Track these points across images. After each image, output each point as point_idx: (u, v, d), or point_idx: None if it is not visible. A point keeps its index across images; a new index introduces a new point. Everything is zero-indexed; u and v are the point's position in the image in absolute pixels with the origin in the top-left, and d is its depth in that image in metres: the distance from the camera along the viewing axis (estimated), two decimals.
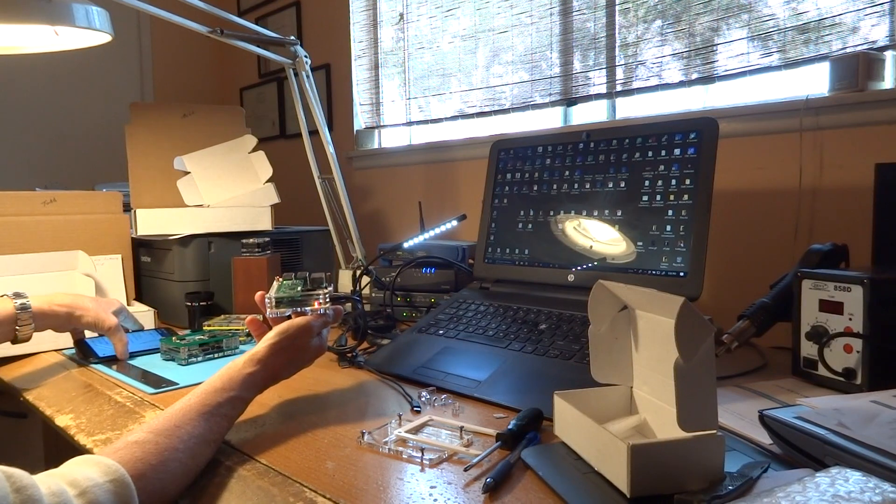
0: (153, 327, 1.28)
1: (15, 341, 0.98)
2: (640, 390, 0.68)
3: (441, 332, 1.04)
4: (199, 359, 1.05)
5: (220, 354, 1.08)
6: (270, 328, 0.80)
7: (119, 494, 0.55)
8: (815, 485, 0.46)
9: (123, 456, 0.58)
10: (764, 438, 0.65)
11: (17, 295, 0.98)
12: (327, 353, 1.06)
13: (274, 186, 1.52)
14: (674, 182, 0.98)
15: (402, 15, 2.11)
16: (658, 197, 0.99)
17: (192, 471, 0.64)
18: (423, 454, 0.64)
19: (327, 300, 0.82)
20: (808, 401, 0.65)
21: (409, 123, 2.13)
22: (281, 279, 0.86)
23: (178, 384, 0.93)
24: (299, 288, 0.83)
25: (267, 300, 0.81)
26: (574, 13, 1.64)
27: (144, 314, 1.29)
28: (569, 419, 0.65)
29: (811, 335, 0.86)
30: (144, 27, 2.77)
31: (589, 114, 1.68)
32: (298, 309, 0.81)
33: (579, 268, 1.06)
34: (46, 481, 0.51)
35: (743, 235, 1.32)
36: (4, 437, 1.68)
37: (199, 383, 0.73)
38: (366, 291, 1.39)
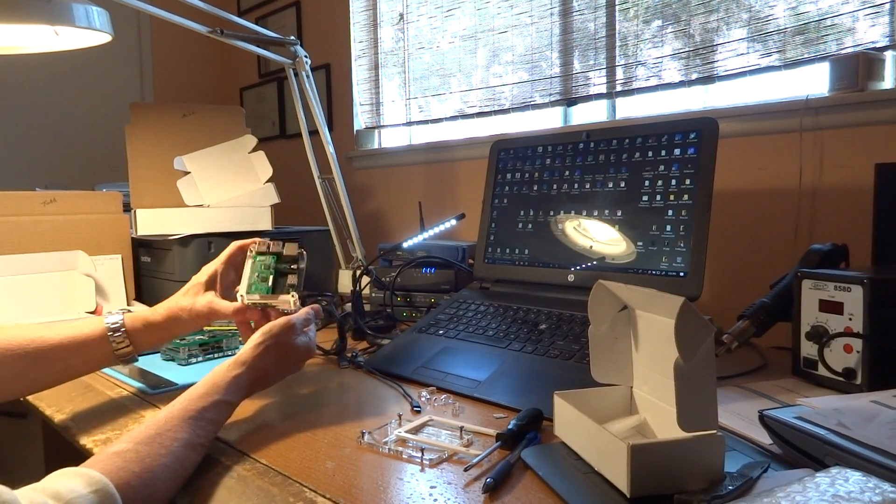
0: None
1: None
2: (640, 390, 0.68)
3: (441, 332, 1.04)
4: (199, 359, 1.05)
5: (220, 354, 1.08)
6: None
7: None
8: (815, 485, 0.46)
9: (104, 467, 0.57)
10: (764, 438, 0.65)
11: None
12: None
13: (274, 186, 1.52)
14: (674, 182, 0.98)
15: (402, 15, 2.11)
16: (658, 197, 0.99)
17: (181, 475, 0.63)
18: (423, 454, 0.64)
19: (298, 304, 0.85)
20: (808, 401, 0.65)
21: (409, 123, 2.13)
22: (254, 252, 0.89)
23: (177, 384, 0.93)
24: (272, 271, 0.87)
25: (238, 297, 0.86)
26: (574, 13, 1.64)
27: None
28: (569, 419, 0.65)
29: (811, 335, 0.86)
30: (144, 27, 2.77)
31: (589, 114, 1.68)
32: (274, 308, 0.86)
33: (579, 268, 1.06)
34: (28, 495, 0.51)
35: (743, 235, 1.32)
36: (4, 437, 1.68)
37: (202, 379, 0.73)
38: (366, 291, 1.39)
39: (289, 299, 0.85)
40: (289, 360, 0.81)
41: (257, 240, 0.91)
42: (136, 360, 0.86)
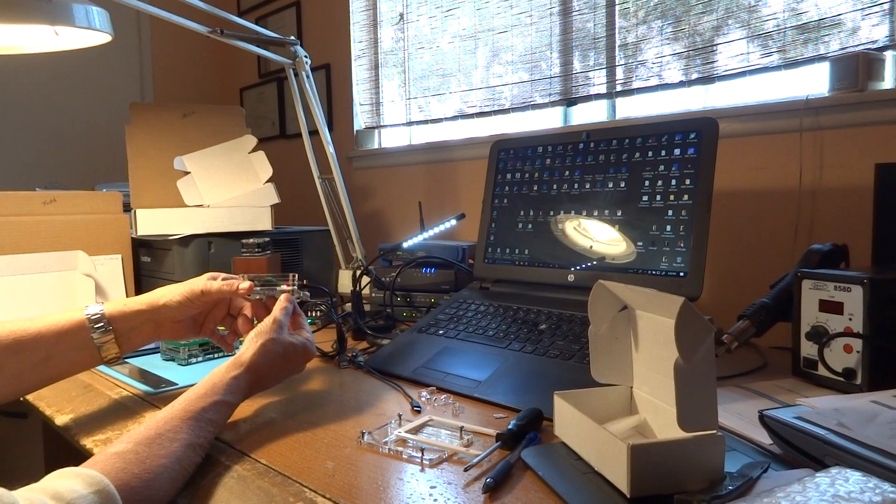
0: None
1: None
2: (640, 390, 0.68)
3: (441, 332, 1.04)
4: (199, 359, 1.05)
5: (220, 354, 1.08)
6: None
7: None
8: (815, 485, 0.46)
9: (104, 467, 0.57)
10: (764, 438, 0.65)
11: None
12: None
13: (274, 186, 1.52)
14: (674, 182, 0.98)
15: (402, 15, 2.11)
16: (658, 197, 0.99)
17: (181, 476, 0.63)
18: (423, 454, 0.64)
19: (295, 282, 0.87)
20: (808, 401, 0.65)
21: (409, 123, 2.13)
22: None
23: (177, 384, 0.93)
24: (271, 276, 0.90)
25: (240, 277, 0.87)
26: (574, 13, 1.64)
27: None
28: (569, 419, 0.65)
29: (811, 335, 0.86)
30: (144, 27, 2.77)
31: (589, 114, 1.68)
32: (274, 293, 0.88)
33: (579, 268, 1.06)
34: (28, 496, 0.50)
35: (743, 235, 1.32)
36: (4, 437, 1.68)
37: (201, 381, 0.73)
38: (366, 291, 1.39)
39: (287, 276, 0.87)
40: (287, 358, 0.81)
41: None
42: (121, 361, 0.84)
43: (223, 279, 0.88)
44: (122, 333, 0.82)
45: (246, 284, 0.86)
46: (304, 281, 0.91)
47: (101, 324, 0.80)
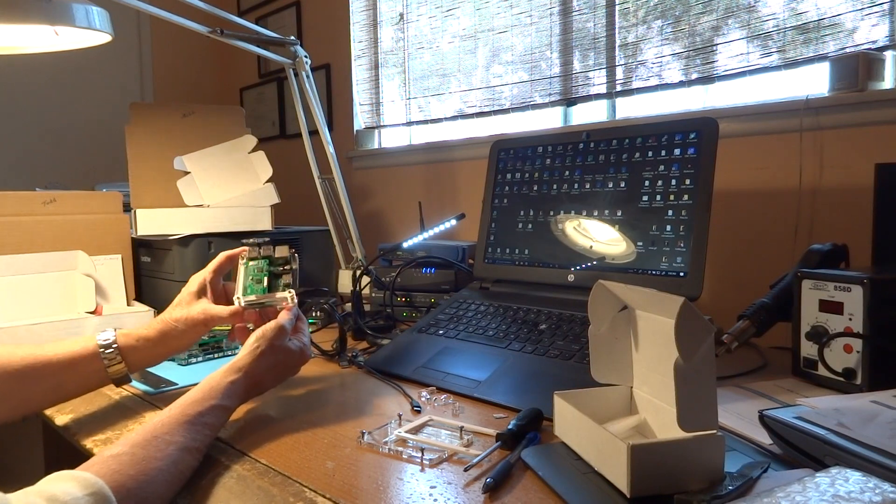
0: None
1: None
2: (640, 390, 0.68)
3: (441, 332, 1.04)
4: (199, 359, 1.05)
5: (220, 354, 1.08)
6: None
7: None
8: (815, 485, 0.46)
9: (100, 469, 0.57)
10: (764, 438, 0.65)
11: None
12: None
13: (274, 186, 1.52)
14: (674, 182, 0.98)
15: (402, 15, 2.11)
16: (658, 197, 0.99)
17: (177, 479, 0.62)
18: (423, 454, 0.65)
19: (295, 300, 0.85)
20: (808, 401, 0.65)
21: (409, 123, 2.13)
22: (245, 258, 0.90)
23: (177, 384, 0.93)
24: (266, 273, 0.88)
25: (235, 300, 0.85)
26: (574, 13, 1.64)
27: (144, 314, 1.29)
28: (569, 419, 0.65)
29: (811, 335, 0.86)
30: (144, 27, 2.78)
31: (589, 114, 1.68)
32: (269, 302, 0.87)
33: (579, 268, 1.06)
34: (23, 499, 0.50)
35: (743, 235, 1.32)
36: (4, 437, 1.68)
37: (197, 384, 0.73)
38: (366, 291, 1.39)
39: (286, 295, 0.85)
40: (285, 364, 0.81)
41: (246, 248, 0.91)
42: (130, 381, 0.84)
43: (214, 270, 0.89)
44: (132, 363, 0.83)
45: (251, 324, 0.85)
46: (301, 290, 0.91)
47: (116, 357, 0.81)
